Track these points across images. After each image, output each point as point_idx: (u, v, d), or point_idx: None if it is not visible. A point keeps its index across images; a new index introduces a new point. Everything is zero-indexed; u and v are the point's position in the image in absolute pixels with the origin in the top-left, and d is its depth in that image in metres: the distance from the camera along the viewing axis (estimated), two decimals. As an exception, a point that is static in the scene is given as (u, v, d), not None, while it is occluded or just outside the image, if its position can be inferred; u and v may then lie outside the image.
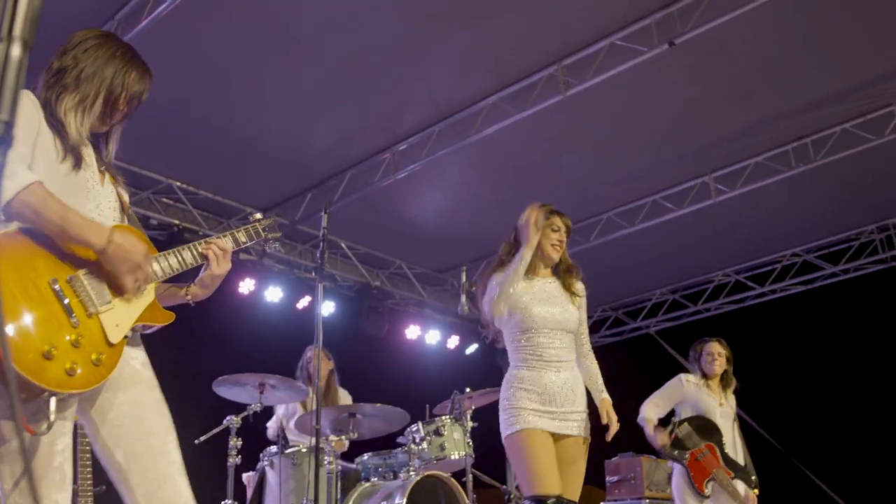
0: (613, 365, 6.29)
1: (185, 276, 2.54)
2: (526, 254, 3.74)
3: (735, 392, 5.46)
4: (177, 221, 7.49)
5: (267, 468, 4.97)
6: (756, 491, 5.13)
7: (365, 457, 5.30)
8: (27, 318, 1.98)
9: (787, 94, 6.54)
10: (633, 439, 5.56)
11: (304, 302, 8.30)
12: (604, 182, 7.68)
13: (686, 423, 5.10)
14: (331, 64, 5.99)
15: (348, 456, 5.61)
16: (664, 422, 5.21)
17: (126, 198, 2.52)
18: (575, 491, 3.59)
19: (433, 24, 5.69)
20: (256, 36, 5.65)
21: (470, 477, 5.11)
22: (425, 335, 9.53)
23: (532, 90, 6.32)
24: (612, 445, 4.07)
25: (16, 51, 1.01)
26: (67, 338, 2.04)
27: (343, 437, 5.09)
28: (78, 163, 2.25)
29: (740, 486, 5.05)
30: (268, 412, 5.92)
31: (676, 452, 5.02)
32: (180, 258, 2.42)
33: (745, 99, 6.55)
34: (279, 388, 5.04)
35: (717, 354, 5.35)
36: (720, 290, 9.74)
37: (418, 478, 4.81)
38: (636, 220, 8.11)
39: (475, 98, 6.55)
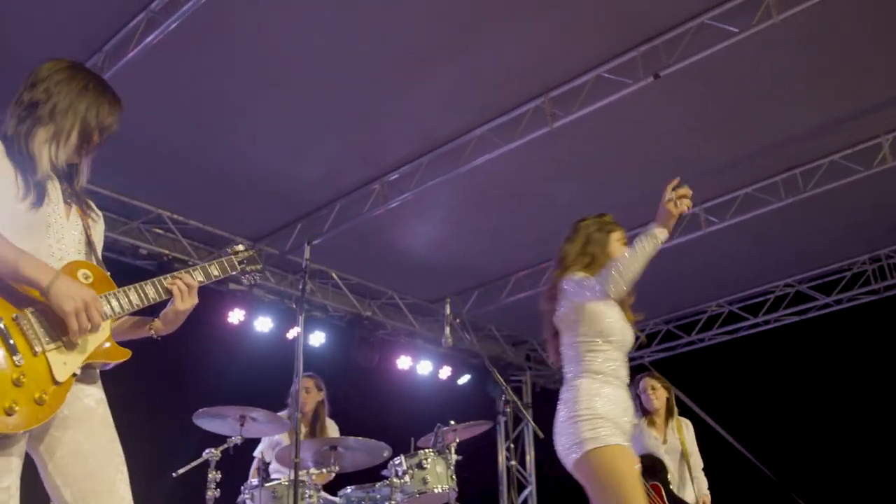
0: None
1: (156, 308, 2.52)
2: (661, 235, 3.38)
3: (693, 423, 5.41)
4: (167, 251, 7.49)
5: (248, 501, 4.92)
6: None
7: (348, 490, 5.24)
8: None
9: (775, 126, 6.56)
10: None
11: (293, 332, 8.26)
12: (592, 212, 7.64)
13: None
14: (318, 97, 6.02)
15: (333, 487, 5.56)
16: None
17: (95, 229, 2.51)
18: None
19: (420, 58, 5.73)
20: (243, 70, 5.69)
21: (454, 511, 5.06)
22: (416, 365, 9.47)
23: (519, 122, 6.35)
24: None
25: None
26: (9, 377, 2.03)
27: (325, 470, 5.04)
28: (40, 199, 2.25)
29: None
30: (250, 444, 5.88)
31: None
32: (142, 294, 2.40)
33: (733, 130, 6.57)
34: (260, 421, 5.00)
35: (651, 388, 5.32)
36: (713, 320, 9.73)
37: (400, 512, 4.76)
38: (626, 250, 8.08)
39: (463, 130, 6.58)
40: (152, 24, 5.15)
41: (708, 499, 5.24)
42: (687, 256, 8.07)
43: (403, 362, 9.36)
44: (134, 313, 2.44)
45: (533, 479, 10.28)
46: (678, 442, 5.23)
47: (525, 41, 5.63)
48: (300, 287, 4.17)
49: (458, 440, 5.32)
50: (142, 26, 5.20)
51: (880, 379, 8.21)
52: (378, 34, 5.50)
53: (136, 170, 6.73)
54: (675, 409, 5.41)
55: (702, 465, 5.37)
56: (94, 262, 2.40)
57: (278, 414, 5.38)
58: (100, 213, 2.58)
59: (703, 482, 5.31)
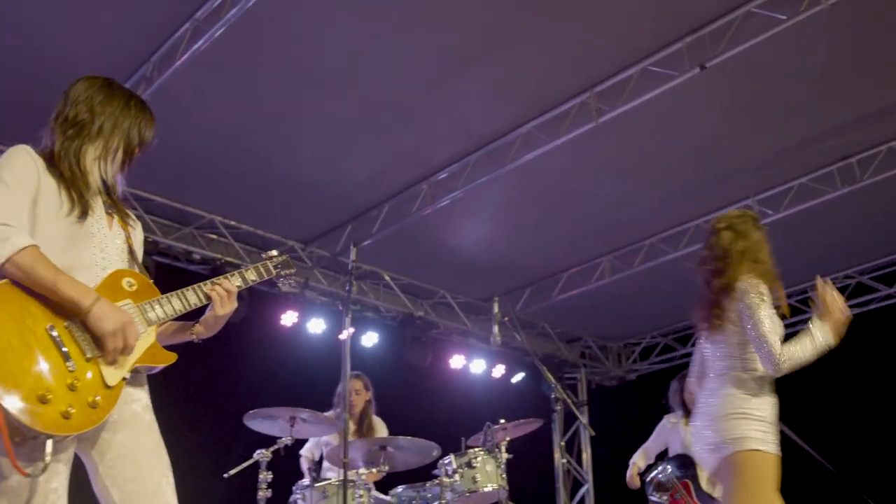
0: (664, 393, 6.18)
1: (198, 312, 2.60)
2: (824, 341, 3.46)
3: None
4: (220, 256, 7.62)
5: (299, 501, 4.98)
6: None
7: (399, 489, 5.28)
8: (23, 364, 2.06)
9: (828, 114, 6.39)
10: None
11: (345, 333, 8.33)
12: (643, 207, 7.59)
13: (668, 464, 5.10)
14: (364, 98, 6.07)
15: (385, 486, 5.60)
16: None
17: (135, 237, 2.59)
18: None
19: (463, 56, 5.73)
20: (288, 73, 5.76)
21: (505, 509, 5.06)
22: (470, 364, 9.47)
23: (565, 118, 6.31)
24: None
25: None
26: (64, 382, 2.11)
27: (375, 470, 5.08)
28: (85, 213, 2.35)
29: None
30: (301, 445, 5.95)
31: (658, 495, 5.04)
32: (184, 300, 2.49)
33: (783, 120, 6.42)
34: (310, 422, 5.07)
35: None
36: (773, 313, 9.51)
37: (451, 511, 4.78)
38: (680, 244, 7.99)
39: (509, 127, 6.56)
40: (197, 33, 5.25)
41: None
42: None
43: (457, 361, 9.37)
44: (176, 318, 2.51)
45: (590, 476, 10.20)
46: None
47: (569, 36, 5.58)
48: (347, 287, 4.22)
49: (508, 438, 5.32)
50: (188, 35, 5.31)
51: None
52: (421, 34, 5.52)
53: (189, 176, 6.88)
54: None
55: None
56: (137, 270, 2.48)
57: (325, 414, 5.44)
58: (137, 221, 2.66)
59: None
